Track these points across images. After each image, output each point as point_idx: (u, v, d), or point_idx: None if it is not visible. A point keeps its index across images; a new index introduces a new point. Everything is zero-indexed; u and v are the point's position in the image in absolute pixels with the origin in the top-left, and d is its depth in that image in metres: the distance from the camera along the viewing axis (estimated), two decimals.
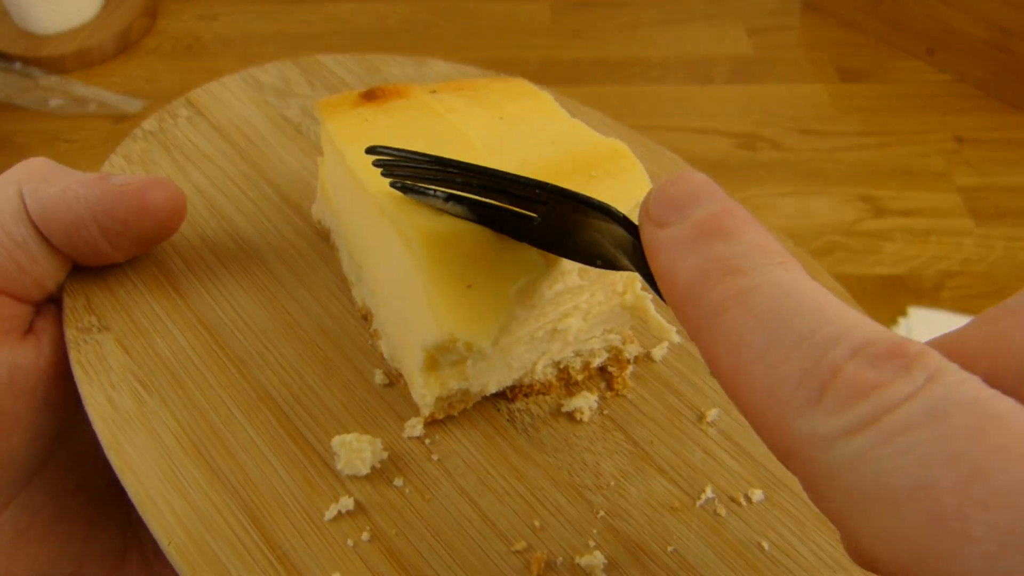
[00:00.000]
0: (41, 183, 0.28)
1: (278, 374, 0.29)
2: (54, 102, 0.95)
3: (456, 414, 0.29)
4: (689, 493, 0.29)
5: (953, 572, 0.13)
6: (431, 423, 0.29)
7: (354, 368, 0.30)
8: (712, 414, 0.31)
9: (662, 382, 0.32)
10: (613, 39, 1.05)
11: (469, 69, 0.42)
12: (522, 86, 0.34)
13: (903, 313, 0.76)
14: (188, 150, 0.36)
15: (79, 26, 1.01)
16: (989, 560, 0.13)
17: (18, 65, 0.98)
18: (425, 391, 0.27)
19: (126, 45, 1.02)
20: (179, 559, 0.24)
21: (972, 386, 0.14)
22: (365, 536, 0.26)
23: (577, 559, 0.26)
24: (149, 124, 0.37)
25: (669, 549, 0.27)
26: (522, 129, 0.30)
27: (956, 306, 0.76)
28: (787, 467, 0.16)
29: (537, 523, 0.27)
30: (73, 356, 0.29)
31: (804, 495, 0.19)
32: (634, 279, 0.31)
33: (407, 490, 0.27)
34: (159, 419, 0.28)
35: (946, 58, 0.99)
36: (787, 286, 0.16)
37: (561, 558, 0.26)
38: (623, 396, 0.31)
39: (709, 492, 0.29)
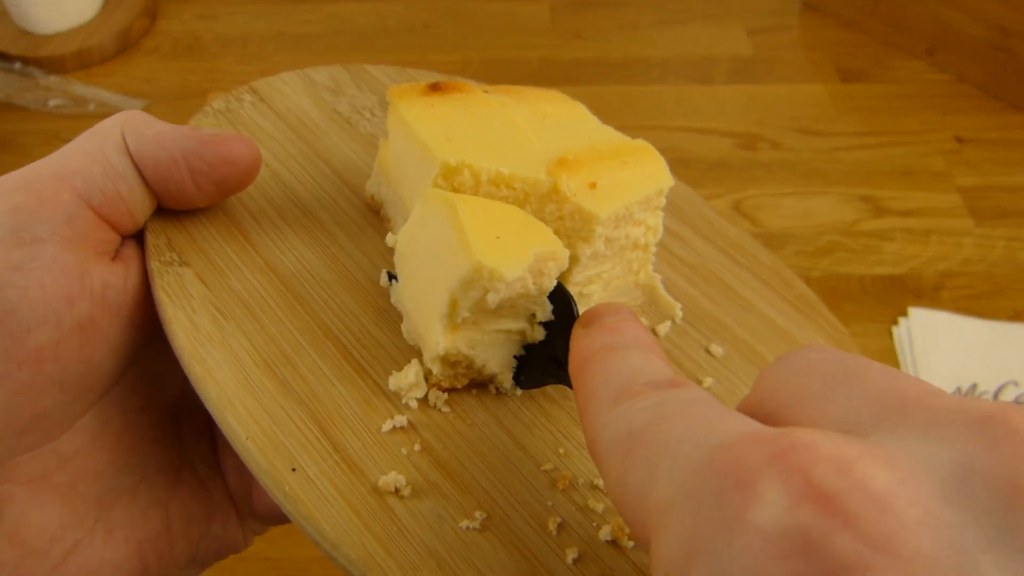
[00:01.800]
0: (141, 126, 0.33)
1: (339, 316, 0.33)
2: (54, 102, 0.95)
3: (459, 387, 0.32)
4: None
5: (633, 489, 0.20)
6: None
7: None
8: (708, 382, 0.35)
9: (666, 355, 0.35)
10: (613, 39, 1.05)
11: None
12: (560, 95, 0.38)
13: (903, 313, 0.76)
14: (253, 128, 0.41)
15: (79, 26, 1.01)
16: (644, 474, 0.20)
17: (18, 65, 0.98)
18: (440, 337, 0.30)
19: (126, 45, 1.02)
20: (255, 450, 0.28)
21: (688, 390, 0.22)
22: (417, 447, 0.30)
23: (596, 481, 0.30)
24: (217, 104, 0.42)
25: None
26: (562, 124, 0.35)
27: (956, 306, 0.76)
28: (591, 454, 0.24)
29: (562, 451, 0.31)
30: (156, 283, 0.32)
31: None
32: (647, 261, 0.35)
33: (452, 416, 0.31)
34: (236, 340, 0.32)
35: (946, 58, 0.99)
36: (631, 356, 0.25)
37: (583, 479, 0.30)
38: None
39: None
